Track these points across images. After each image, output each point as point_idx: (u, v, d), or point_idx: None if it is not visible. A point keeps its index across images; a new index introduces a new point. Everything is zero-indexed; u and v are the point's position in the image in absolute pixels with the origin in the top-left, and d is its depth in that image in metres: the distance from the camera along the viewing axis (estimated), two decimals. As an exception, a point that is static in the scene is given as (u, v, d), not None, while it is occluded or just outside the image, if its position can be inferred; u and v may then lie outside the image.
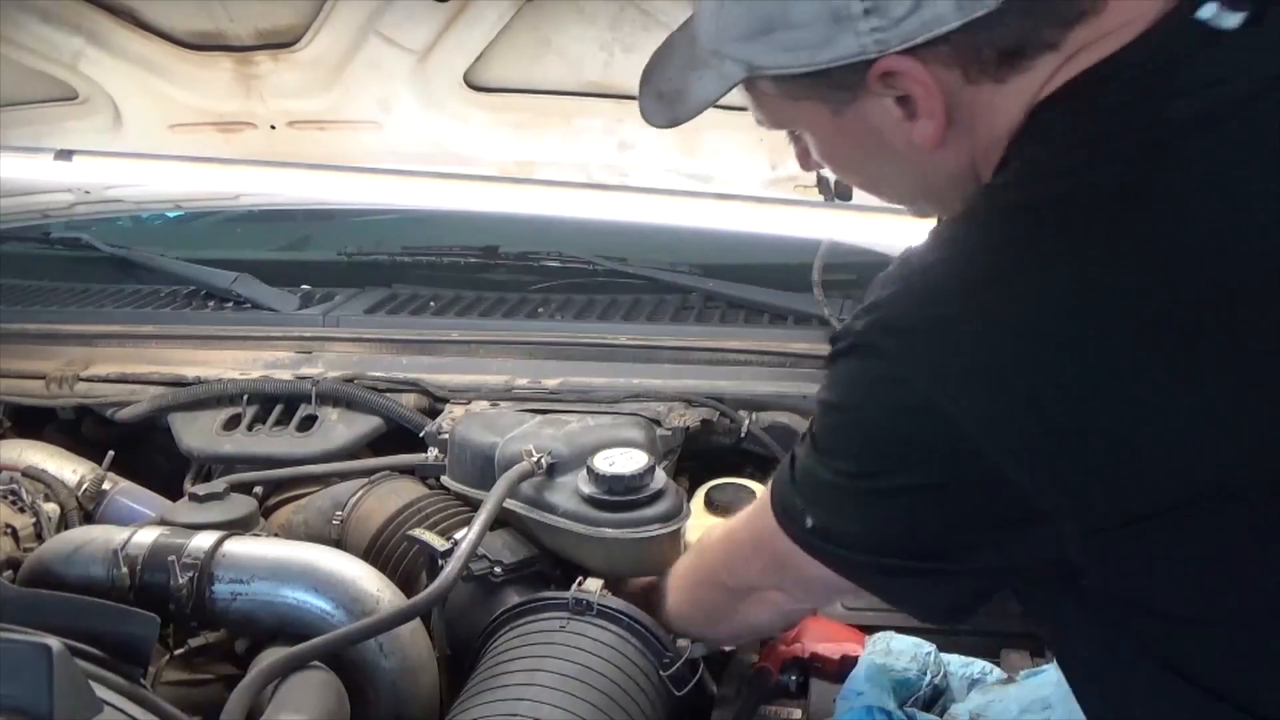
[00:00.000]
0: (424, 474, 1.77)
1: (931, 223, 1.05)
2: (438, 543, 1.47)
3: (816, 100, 0.96)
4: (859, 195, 1.63)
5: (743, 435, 1.82)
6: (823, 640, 1.46)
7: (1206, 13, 0.86)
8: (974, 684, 1.41)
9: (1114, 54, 0.88)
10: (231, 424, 1.90)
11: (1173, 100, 0.86)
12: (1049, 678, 1.32)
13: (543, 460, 1.54)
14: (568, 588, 1.42)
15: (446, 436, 1.74)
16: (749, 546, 1.19)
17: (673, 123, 1.04)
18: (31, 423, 2.03)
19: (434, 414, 1.87)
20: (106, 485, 1.77)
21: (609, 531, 1.46)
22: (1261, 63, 0.86)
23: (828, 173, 1.21)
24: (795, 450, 1.03)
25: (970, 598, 1.01)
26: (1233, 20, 0.86)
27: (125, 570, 1.40)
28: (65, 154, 2.29)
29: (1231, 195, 0.84)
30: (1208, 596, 0.87)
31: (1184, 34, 0.87)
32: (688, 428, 1.76)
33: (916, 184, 1.02)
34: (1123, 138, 0.87)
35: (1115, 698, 0.97)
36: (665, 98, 1.04)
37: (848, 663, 1.41)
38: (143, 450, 2.02)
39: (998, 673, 1.42)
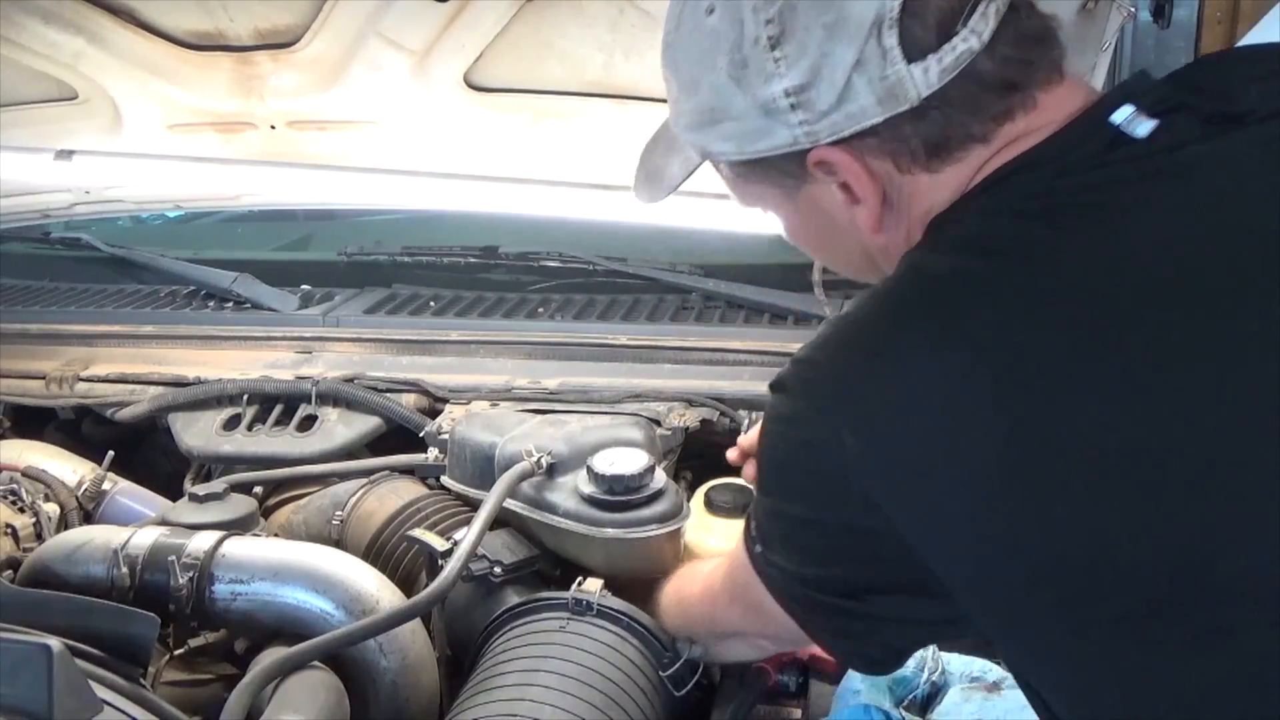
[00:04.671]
0: (424, 474, 1.77)
1: None
2: (437, 543, 1.47)
3: (769, 185, 1.02)
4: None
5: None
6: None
7: (1119, 117, 0.89)
8: (973, 681, 1.41)
9: (1027, 150, 0.92)
10: (231, 424, 1.90)
11: (1064, 184, 0.88)
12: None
13: (543, 460, 1.54)
14: (567, 588, 1.42)
15: (446, 436, 1.74)
16: (726, 596, 1.22)
17: (651, 200, 1.14)
18: (31, 423, 2.03)
19: (434, 414, 1.87)
20: (106, 485, 1.77)
21: (609, 531, 1.46)
22: (1156, 168, 0.87)
23: None
24: None
25: (896, 645, 1.03)
26: (1145, 128, 0.88)
27: (125, 570, 1.40)
28: (65, 154, 2.29)
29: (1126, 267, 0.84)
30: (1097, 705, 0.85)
31: (1093, 136, 0.90)
32: (688, 428, 1.76)
33: (864, 261, 1.06)
34: (1018, 220, 0.89)
35: None
36: (650, 177, 1.14)
37: (846, 662, 1.41)
38: (143, 450, 2.02)
39: (997, 671, 1.42)
